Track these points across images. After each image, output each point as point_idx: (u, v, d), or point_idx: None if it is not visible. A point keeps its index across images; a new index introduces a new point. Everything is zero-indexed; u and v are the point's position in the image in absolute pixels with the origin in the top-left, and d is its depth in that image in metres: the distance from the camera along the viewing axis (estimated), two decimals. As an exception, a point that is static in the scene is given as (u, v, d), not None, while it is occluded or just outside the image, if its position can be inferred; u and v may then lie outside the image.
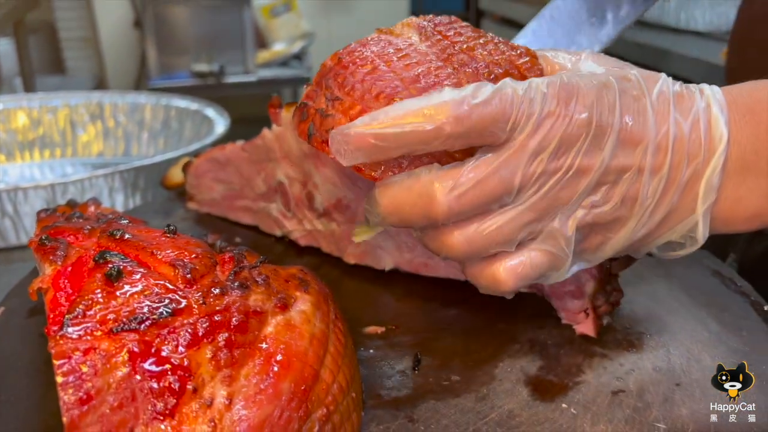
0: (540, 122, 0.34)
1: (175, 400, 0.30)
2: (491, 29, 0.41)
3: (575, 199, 0.36)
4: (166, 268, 0.35)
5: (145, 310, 0.32)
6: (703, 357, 0.44)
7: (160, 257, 0.35)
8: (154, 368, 0.30)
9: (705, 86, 0.38)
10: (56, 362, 0.29)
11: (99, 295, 0.32)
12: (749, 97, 0.38)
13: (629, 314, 0.48)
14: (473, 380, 0.42)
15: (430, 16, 0.42)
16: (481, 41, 0.40)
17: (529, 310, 0.48)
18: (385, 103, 0.35)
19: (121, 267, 0.33)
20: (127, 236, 0.37)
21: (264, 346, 0.33)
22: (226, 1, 2.68)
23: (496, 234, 0.35)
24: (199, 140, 1.05)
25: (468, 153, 0.35)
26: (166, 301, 0.32)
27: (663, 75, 0.38)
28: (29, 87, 1.88)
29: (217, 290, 0.34)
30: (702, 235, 0.38)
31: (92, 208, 0.50)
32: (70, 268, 0.35)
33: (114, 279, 0.33)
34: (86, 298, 0.32)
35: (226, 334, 0.32)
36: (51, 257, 0.36)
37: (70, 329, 0.30)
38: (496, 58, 0.39)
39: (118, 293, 0.32)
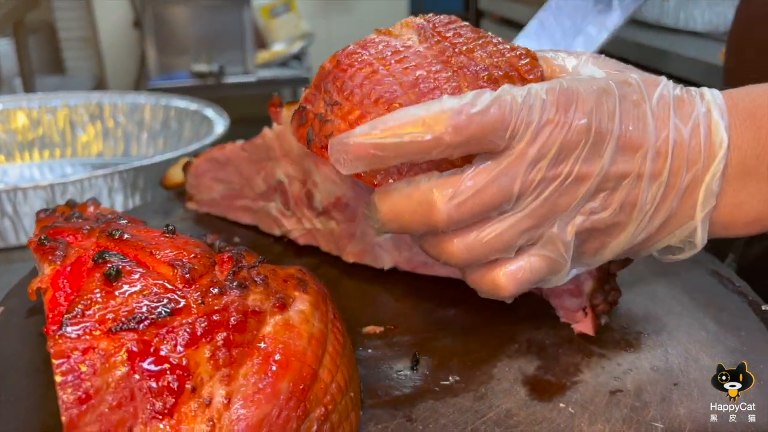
0: (539, 130, 0.34)
1: (173, 400, 0.30)
2: (491, 29, 0.41)
3: (574, 205, 0.36)
4: (165, 268, 0.35)
5: (144, 309, 0.32)
6: (701, 357, 0.44)
7: (158, 257, 0.36)
8: (152, 368, 0.30)
9: (706, 90, 0.38)
10: (55, 362, 0.29)
11: (98, 295, 0.32)
12: (750, 102, 0.38)
13: (627, 314, 0.48)
14: (471, 380, 0.42)
15: (429, 15, 0.42)
16: (480, 42, 0.39)
17: (528, 310, 0.48)
18: (384, 108, 0.35)
19: (120, 267, 0.33)
20: (126, 236, 0.37)
21: (262, 345, 0.33)
22: (226, 2, 2.69)
23: (496, 241, 0.35)
24: (199, 140, 1.05)
25: (467, 159, 0.35)
26: (165, 300, 0.33)
27: (663, 79, 0.38)
28: (29, 87, 1.88)
29: (216, 290, 0.34)
30: (701, 240, 0.38)
31: (91, 209, 0.50)
32: (69, 268, 0.35)
33: (113, 279, 0.33)
34: (85, 297, 0.32)
35: (225, 334, 0.32)
36: (50, 257, 0.36)
37: (69, 329, 0.30)
38: (496, 60, 0.38)
39: (116, 293, 0.32)
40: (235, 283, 0.35)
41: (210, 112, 1.15)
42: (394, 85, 0.36)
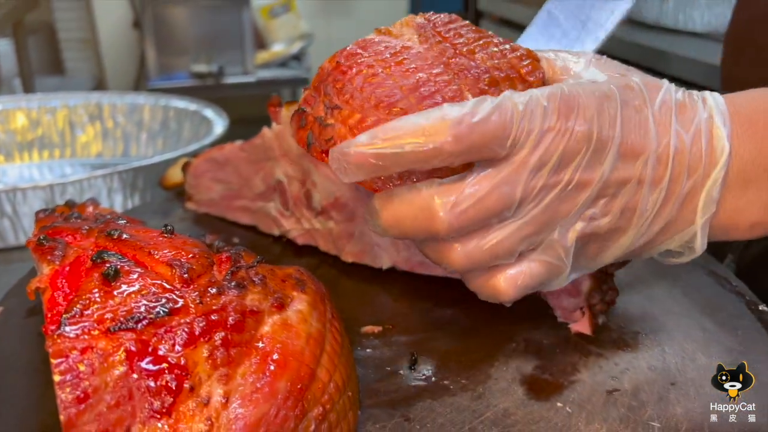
0: (540, 138, 0.34)
1: (171, 399, 0.30)
2: (490, 30, 0.40)
3: (575, 212, 0.36)
4: (163, 268, 0.35)
5: (142, 309, 0.32)
6: (697, 356, 0.44)
7: (157, 257, 0.36)
8: (151, 367, 0.30)
9: (708, 95, 0.38)
10: (53, 361, 0.29)
11: (96, 295, 0.32)
12: (752, 108, 0.38)
13: (625, 314, 0.49)
14: (469, 379, 0.42)
15: (429, 14, 0.41)
16: (481, 42, 0.39)
17: (526, 310, 0.48)
18: (385, 112, 0.35)
19: (119, 267, 0.34)
20: (124, 236, 0.38)
21: (260, 345, 0.33)
22: (225, 2, 2.69)
23: (497, 248, 0.35)
24: (198, 141, 1.06)
25: (467, 165, 0.35)
26: (163, 300, 0.33)
27: (666, 83, 0.38)
28: (28, 88, 1.88)
29: (214, 290, 0.34)
30: (700, 245, 0.38)
31: (90, 209, 0.50)
32: (67, 268, 0.35)
33: (111, 278, 0.33)
34: (84, 297, 0.32)
35: (223, 334, 0.32)
36: (49, 257, 0.36)
37: (67, 328, 0.30)
38: (497, 61, 0.38)
39: (115, 293, 0.32)
40: (233, 283, 0.35)
41: (209, 113, 1.15)
42: (394, 89, 0.35)
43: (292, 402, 0.32)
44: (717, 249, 0.65)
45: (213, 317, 0.33)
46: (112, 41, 3.00)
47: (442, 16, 0.41)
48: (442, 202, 0.34)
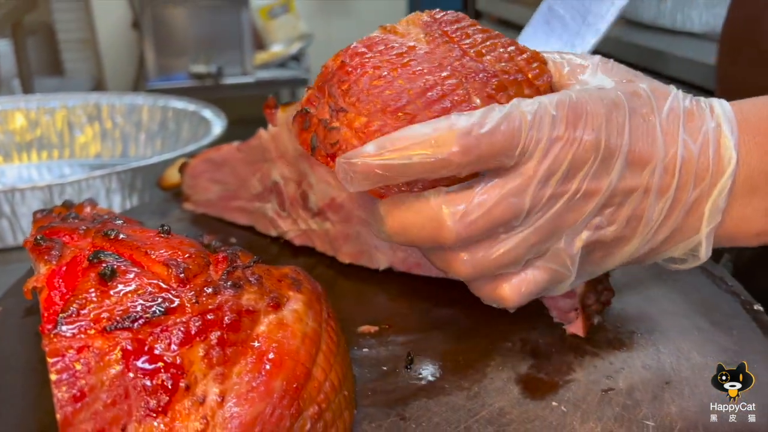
0: (549, 147, 0.33)
1: (167, 398, 0.30)
2: None
3: (581, 221, 0.36)
4: (160, 268, 0.35)
5: (139, 308, 0.32)
6: (692, 355, 0.44)
7: (153, 257, 0.36)
8: (147, 366, 0.31)
9: (715, 102, 0.38)
10: (50, 360, 0.29)
11: (93, 294, 0.32)
12: (760, 116, 0.38)
13: (620, 313, 0.49)
14: (465, 378, 0.42)
15: (435, 11, 0.40)
16: (488, 44, 0.38)
17: (522, 310, 0.48)
18: (392, 117, 0.34)
19: (115, 266, 0.34)
20: (121, 236, 0.38)
21: (256, 344, 0.33)
22: (224, 3, 2.69)
23: (504, 258, 0.35)
24: (197, 141, 1.06)
25: (474, 174, 0.35)
26: (159, 300, 0.33)
27: (673, 89, 0.38)
28: (27, 88, 1.88)
29: (210, 289, 0.34)
30: (705, 253, 0.38)
31: (88, 209, 0.50)
32: (64, 268, 0.35)
33: (108, 278, 0.33)
34: (80, 297, 0.32)
35: (219, 333, 0.33)
36: (46, 257, 0.36)
37: (63, 327, 0.30)
38: (505, 64, 0.37)
39: (111, 292, 0.33)
40: (229, 283, 0.35)
41: (208, 113, 1.15)
42: (401, 92, 0.35)
43: (287, 401, 0.33)
44: (714, 248, 0.65)
45: (209, 317, 0.33)
46: (111, 42, 3.00)
47: (449, 14, 0.40)
48: (450, 212, 0.34)
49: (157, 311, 0.32)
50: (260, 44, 2.92)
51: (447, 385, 0.42)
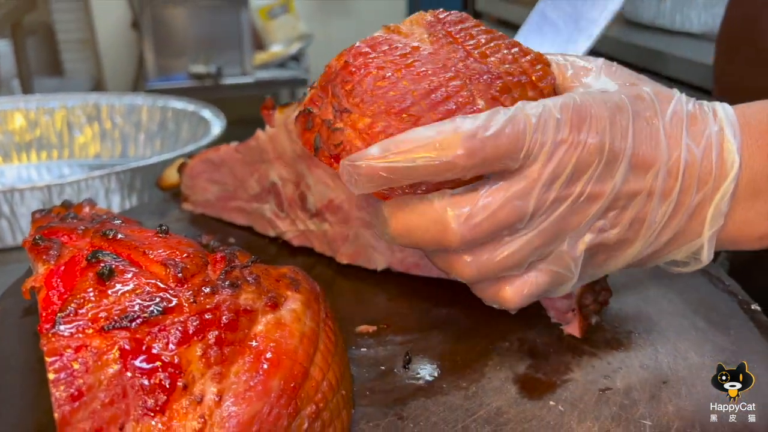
0: (553, 150, 0.33)
1: (165, 397, 0.30)
2: None
3: (585, 224, 0.36)
4: (158, 267, 0.35)
5: (137, 308, 0.32)
6: (689, 355, 0.44)
7: (151, 256, 0.36)
8: (144, 365, 0.31)
9: (718, 106, 0.38)
10: (48, 359, 0.29)
11: (91, 294, 0.32)
12: (762, 119, 0.38)
13: (618, 313, 0.49)
14: (462, 378, 0.42)
15: (439, 11, 0.40)
16: (492, 45, 0.38)
17: (520, 310, 0.48)
18: (396, 118, 0.34)
19: (113, 266, 0.34)
20: (119, 236, 0.38)
21: (254, 344, 0.34)
22: (224, 3, 2.69)
23: (507, 260, 0.35)
24: (196, 142, 1.06)
25: (479, 176, 0.35)
26: (157, 299, 0.33)
27: (676, 93, 0.38)
28: (27, 88, 1.89)
29: (208, 289, 0.34)
30: (707, 256, 0.38)
31: (87, 209, 0.51)
32: (62, 268, 0.35)
33: (106, 278, 0.33)
34: (78, 296, 0.32)
35: (217, 332, 0.33)
36: (44, 257, 0.36)
37: (62, 327, 0.31)
38: (508, 66, 0.37)
39: (109, 292, 0.33)
40: (227, 283, 0.35)
41: (207, 113, 1.15)
42: (405, 93, 0.35)
43: (285, 400, 0.33)
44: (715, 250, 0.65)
45: (207, 316, 0.33)
46: (111, 42, 3.01)
47: (452, 14, 0.40)
48: (454, 215, 0.34)
49: (155, 311, 0.32)
50: (260, 44, 2.92)
51: (445, 384, 0.42)
